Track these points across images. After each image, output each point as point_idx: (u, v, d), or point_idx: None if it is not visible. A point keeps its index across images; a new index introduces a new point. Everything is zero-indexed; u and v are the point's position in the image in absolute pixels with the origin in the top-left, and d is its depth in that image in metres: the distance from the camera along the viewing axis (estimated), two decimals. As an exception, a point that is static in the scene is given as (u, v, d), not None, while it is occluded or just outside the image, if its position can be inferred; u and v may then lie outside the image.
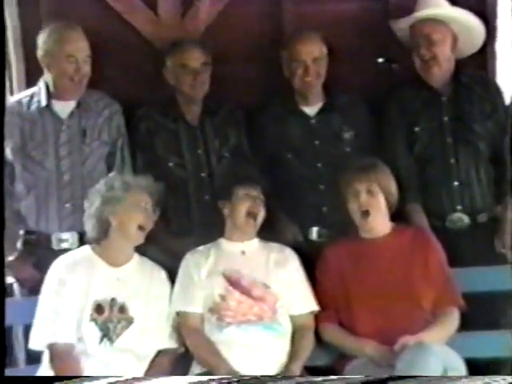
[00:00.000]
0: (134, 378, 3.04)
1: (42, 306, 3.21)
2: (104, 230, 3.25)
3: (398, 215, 3.42)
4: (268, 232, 3.42)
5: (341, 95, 3.74)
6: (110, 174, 3.42)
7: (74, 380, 2.97)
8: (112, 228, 3.24)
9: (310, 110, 3.72)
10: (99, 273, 3.25)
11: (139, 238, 3.27)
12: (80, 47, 3.52)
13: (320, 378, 2.94)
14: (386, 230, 3.32)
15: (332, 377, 3.02)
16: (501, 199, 3.64)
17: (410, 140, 3.64)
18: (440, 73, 3.60)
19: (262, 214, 3.36)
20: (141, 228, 3.24)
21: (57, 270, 3.24)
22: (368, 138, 3.70)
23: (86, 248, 3.31)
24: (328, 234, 3.62)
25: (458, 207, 3.59)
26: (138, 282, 3.28)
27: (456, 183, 3.60)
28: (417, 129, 3.63)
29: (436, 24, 3.57)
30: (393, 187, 3.32)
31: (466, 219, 3.59)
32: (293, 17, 3.93)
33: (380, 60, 3.93)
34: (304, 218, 3.64)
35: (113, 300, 3.22)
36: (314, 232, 3.65)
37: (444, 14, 3.57)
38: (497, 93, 3.69)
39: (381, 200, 3.27)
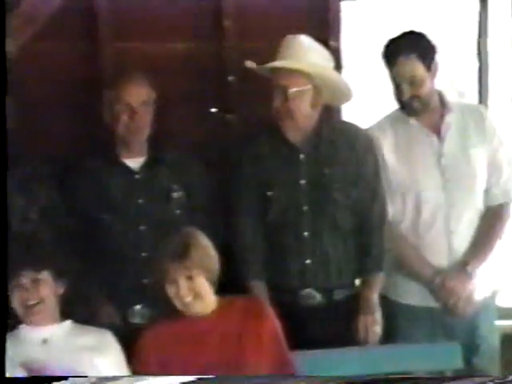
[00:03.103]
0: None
1: None
2: None
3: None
4: (82, 314, 2.92)
5: (170, 149, 3.22)
6: None
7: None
8: None
9: (134, 163, 3.16)
10: None
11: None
12: None
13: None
14: (212, 306, 2.88)
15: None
16: (363, 275, 3.19)
17: (263, 206, 3.13)
18: (295, 127, 3.09)
19: (47, 299, 2.84)
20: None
21: None
22: (201, 199, 3.20)
23: None
24: (151, 314, 3.09)
25: (310, 285, 3.13)
26: None
27: (308, 261, 3.11)
28: (270, 193, 3.11)
29: (295, 77, 3.04)
30: (213, 261, 2.86)
31: (318, 296, 3.13)
32: (112, 55, 3.41)
33: (213, 110, 3.48)
34: (124, 294, 3.10)
35: None
36: (135, 312, 3.12)
37: (302, 68, 3.06)
38: (367, 148, 3.16)
39: (203, 283, 2.83)
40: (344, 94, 3.19)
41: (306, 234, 3.10)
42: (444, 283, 3.12)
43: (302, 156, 3.11)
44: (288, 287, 3.13)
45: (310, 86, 3.05)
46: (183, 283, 2.78)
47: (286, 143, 3.11)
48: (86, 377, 2.76)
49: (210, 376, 2.74)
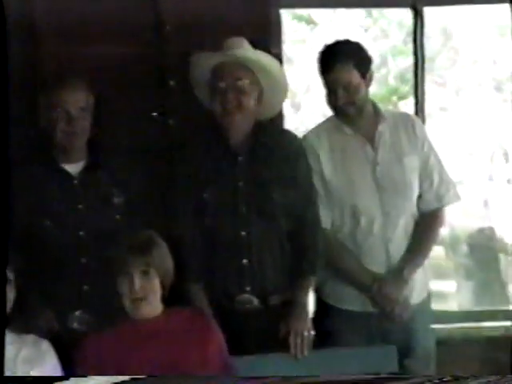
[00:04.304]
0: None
1: None
2: None
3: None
4: (17, 321, 2.81)
5: (110, 153, 3.16)
6: None
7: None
8: None
9: (73, 169, 3.09)
10: None
11: None
12: None
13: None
14: (157, 311, 2.83)
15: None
16: (297, 280, 3.15)
17: (199, 208, 3.08)
18: (240, 126, 3.06)
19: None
20: None
21: None
22: (142, 204, 3.12)
23: None
24: (91, 320, 3.03)
25: (247, 288, 3.09)
26: None
27: (245, 261, 3.07)
28: (206, 195, 3.07)
29: (246, 70, 3.02)
30: (168, 266, 2.83)
31: (255, 301, 3.09)
32: (49, 58, 3.32)
33: (155, 114, 3.41)
34: (63, 301, 3.03)
35: None
36: (74, 318, 3.05)
37: (253, 57, 3.05)
38: (299, 153, 3.16)
39: (156, 283, 2.79)
40: (281, 98, 3.18)
41: (243, 233, 3.07)
42: (381, 289, 3.15)
43: (240, 158, 3.08)
44: (225, 291, 3.11)
45: (257, 83, 3.04)
46: (138, 277, 2.73)
47: (224, 146, 3.08)
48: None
49: (143, 376, 2.71)
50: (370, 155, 3.19)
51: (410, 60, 3.84)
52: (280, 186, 3.09)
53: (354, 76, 3.12)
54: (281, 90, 3.15)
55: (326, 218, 3.18)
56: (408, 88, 3.96)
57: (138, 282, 2.72)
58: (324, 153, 3.19)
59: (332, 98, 3.14)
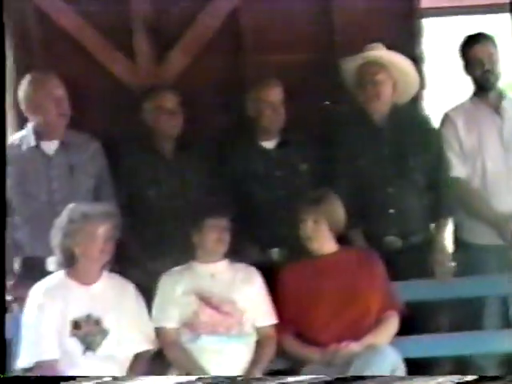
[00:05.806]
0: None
1: (25, 329, 3.31)
2: (70, 257, 3.34)
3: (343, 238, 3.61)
4: (234, 253, 3.51)
5: (296, 132, 3.86)
6: (70, 206, 3.42)
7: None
8: (77, 255, 3.33)
9: (270, 145, 3.85)
10: (73, 293, 3.34)
11: (103, 259, 3.37)
12: (56, 85, 3.70)
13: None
14: (332, 250, 3.49)
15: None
16: (435, 222, 3.80)
17: (355, 172, 3.75)
18: (381, 109, 3.76)
19: (227, 240, 3.46)
20: (103, 251, 3.34)
21: (35, 295, 3.34)
22: (320, 170, 3.80)
23: (60, 273, 3.40)
24: (287, 254, 3.72)
25: (393, 231, 3.71)
26: (108, 297, 3.36)
27: (392, 211, 3.73)
28: (360, 162, 3.76)
29: (380, 67, 3.73)
30: (338, 216, 3.48)
31: (399, 242, 3.72)
32: (253, 66, 4.12)
33: (327, 102, 4.15)
34: (266, 240, 3.73)
35: (88, 316, 3.31)
36: (275, 253, 3.76)
37: (386, 57, 3.75)
38: (429, 126, 3.86)
39: (324, 228, 3.44)
40: (413, 86, 3.87)
41: (390, 189, 3.72)
42: (507, 223, 3.67)
43: (384, 133, 3.78)
44: (376, 235, 3.68)
45: (390, 76, 3.75)
46: (310, 223, 3.43)
47: (371, 123, 3.77)
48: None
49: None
50: (497, 123, 3.86)
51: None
52: (415, 151, 3.75)
53: (495, 51, 3.84)
54: (411, 81, 3.86)
55: (460, 169, 3.79)
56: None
57: (309, 225, 3.43)
58: (460, 121, 3.86)
59: (476, 67, 3.80)
